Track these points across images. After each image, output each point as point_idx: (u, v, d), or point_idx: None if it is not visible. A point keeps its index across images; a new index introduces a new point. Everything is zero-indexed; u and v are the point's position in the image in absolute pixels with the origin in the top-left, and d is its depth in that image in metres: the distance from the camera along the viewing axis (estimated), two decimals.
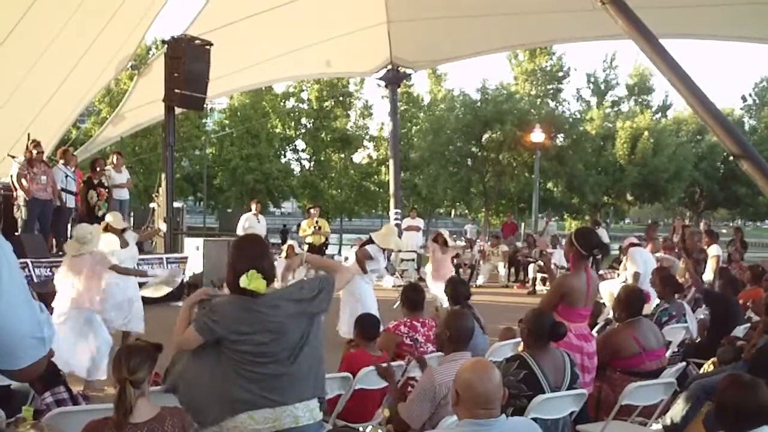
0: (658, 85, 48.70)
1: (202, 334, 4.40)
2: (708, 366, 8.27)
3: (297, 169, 48.21)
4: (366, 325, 6.87)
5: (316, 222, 21.56)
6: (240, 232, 19.42)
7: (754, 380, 4.17)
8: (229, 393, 4.36)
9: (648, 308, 8.85)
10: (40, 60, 16.88)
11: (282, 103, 45.42)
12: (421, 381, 5.37)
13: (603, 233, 20.70)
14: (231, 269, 4.48)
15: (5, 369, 2.22)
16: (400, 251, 21.07)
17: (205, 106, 22.31)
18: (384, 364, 6.06)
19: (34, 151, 15.06)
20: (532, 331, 5.80)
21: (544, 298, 7.16)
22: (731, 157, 28.80)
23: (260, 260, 4.52)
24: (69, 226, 16.98)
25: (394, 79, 25.13)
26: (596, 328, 8.97)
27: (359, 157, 48.22)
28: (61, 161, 16.37)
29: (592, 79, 47.73)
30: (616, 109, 47.49)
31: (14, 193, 15.20)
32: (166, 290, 11.37)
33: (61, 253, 14.10)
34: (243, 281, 4.36)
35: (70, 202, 16.23)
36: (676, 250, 16.41)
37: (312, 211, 21.97)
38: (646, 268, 11.89)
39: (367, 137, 47.36)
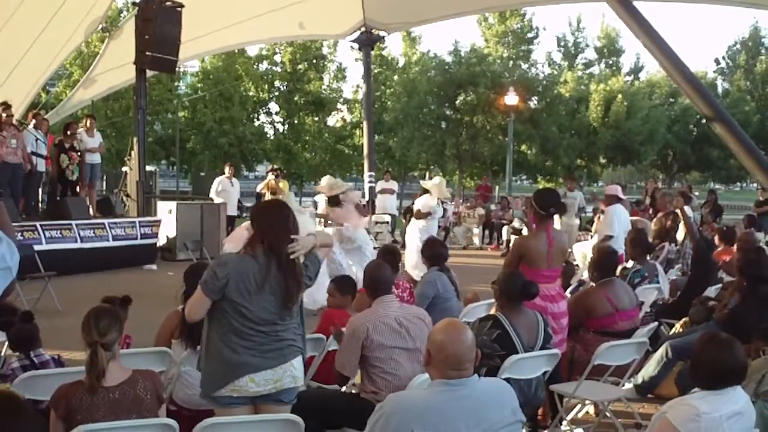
0: (628, 47, 48.76)
1: (209, 294, 4.43)
2: (678, 326, 8.35)
3: (271, 132, 47.92)
4: (341, 283, 6.92)
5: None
6: (213, 195, 19.35)
7: (731, 339, 4.19)
8: (233, 357, 4.41)
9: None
10: (8, 21, 16.62)
11: (255, 66, 45.03)
12: (345, 330, 5.49)
13: (578, 195, 20.66)
14: (272, 231, 4.52)
15: None
16: (375, 213, 21.26)
17: (177, 68, 22.13)
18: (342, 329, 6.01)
19: (4, 114, 14.87)
20: (504, 291, 5.83)
21: (506, 260, 7.21)
22: (704, 120, 28.96)
23: (295, 229, 4.62)
24: (39, 190, 16.86)
25: (368, 41, 24.97)
26: (569, 290, 9.00)
27: (333, 120, 48.02)
28: (32, 124, 16.19)
29: (562, 43, 47.73)
30: (588, 71, 47.51)
31: None
32: None
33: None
34: None
35: (41, 166, 16.09)
36: (650, 212, 16.50)
37: (270, 175, 19.69)
38: (621, 229, 11.87)
39: (341, 100, 47.12)
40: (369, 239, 12.70)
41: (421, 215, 13.38)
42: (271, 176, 19.21)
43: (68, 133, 16.46)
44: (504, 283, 5.88)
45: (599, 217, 13.56)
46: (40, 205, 17.04)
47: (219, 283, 4.39)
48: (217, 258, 4.67)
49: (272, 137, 47.03)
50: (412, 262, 12.57)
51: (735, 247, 10.53)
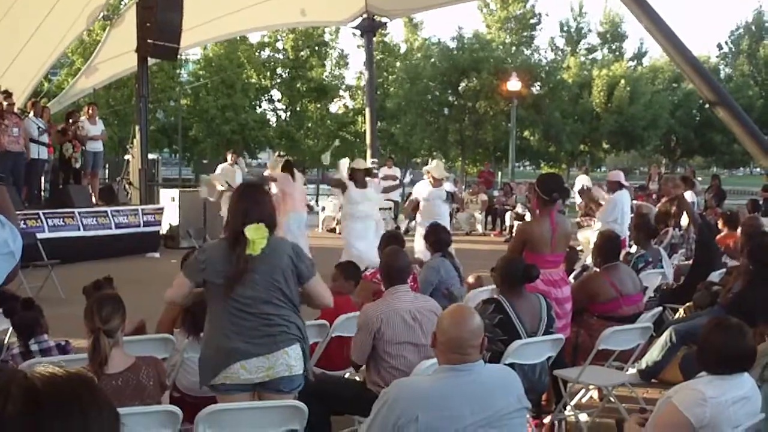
0: (631, 32, 48.54)
1: (189, 278, 4.50)
2: (682, 311, 8.33)
3: (273, 119, 47.84)
4: (346, 268, 6.93)
5: None
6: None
7: (740, 324, 4.16)
8: (225, 343, 4.42)
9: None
10: (10, 10, 16.59)
11: (257, 53, 44.92)
12: (358, 318, 5.44)
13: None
14: (241, 216, 4.49)
15: None
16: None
17: (178, 56, 22.07)
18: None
19: (5, 103, 14.87)
20: (504, 277, 5.80)
21: (509, 246, 7.19)
22: (707, 105, 28.91)
23: (270, 215, 4.58)
24: (42, 178, 16.87)
25: (370, 27, 24.90)
26: (572, 275, 8.98)
27: (335, 107, 47.85)
28: (32, 113, 16.16)
29: (565, 28, 47.61)
30: (591, 57, 47.40)
31: None
32: None
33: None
34: (251, 233, 4.38)
35: (43, 153, 16.08)
36: (654, 197, 16.46)
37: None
38: (625, 214, 11.87)
39: (343, 87, 46.99)
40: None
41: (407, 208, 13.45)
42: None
43: (71, 121, 16.46)
44: (504, 269, 5.86)
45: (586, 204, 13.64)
46: (42, 193, 17.05)
47: (197, 267, 4.47)
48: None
49: (275, 124, 46.95)
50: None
51: (738, 231, 10.50)
